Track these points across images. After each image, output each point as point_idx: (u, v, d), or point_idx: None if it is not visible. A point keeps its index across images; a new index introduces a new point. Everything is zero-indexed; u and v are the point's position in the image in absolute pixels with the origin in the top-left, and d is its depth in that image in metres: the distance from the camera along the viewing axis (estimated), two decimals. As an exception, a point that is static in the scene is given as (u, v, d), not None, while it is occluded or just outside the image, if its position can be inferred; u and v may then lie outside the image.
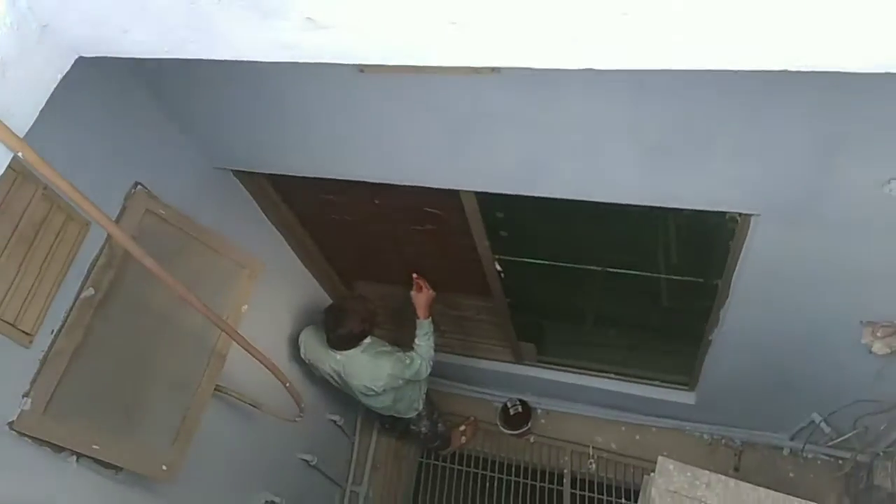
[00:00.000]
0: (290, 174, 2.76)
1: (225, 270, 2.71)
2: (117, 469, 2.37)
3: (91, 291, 2.20)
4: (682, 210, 2.39)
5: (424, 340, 3.43)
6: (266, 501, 3.41)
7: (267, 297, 3.11)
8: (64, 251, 2.07)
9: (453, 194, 2.66)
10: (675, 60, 1.00)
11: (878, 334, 2.63)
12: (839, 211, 2.18)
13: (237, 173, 2.89)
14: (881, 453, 3.46)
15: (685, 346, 3.60)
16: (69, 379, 2.14)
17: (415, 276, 3.35)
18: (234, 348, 2.58)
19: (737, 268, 2.67)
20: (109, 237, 2.16)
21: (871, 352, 2.71)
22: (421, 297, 3.36)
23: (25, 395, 2.04)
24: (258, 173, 2.89)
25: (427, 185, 2.55)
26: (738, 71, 1.02)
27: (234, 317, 2.68)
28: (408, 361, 3.39)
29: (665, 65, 1.01)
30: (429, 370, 3.49)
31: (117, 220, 2.26)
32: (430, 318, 3.42)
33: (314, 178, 2.73)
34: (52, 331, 2.11)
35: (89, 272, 2.19)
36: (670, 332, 3.68)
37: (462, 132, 2.22)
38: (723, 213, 2.39)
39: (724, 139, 2.00)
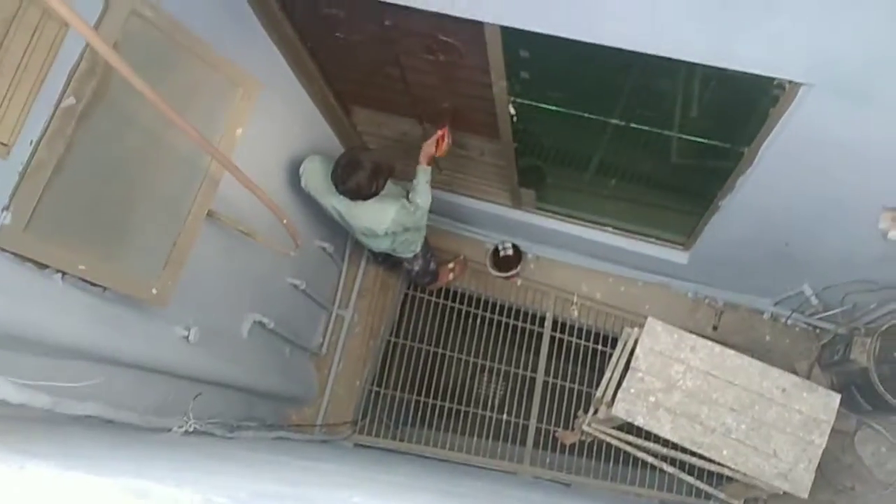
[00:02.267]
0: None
1: (219, 88, 2.47)
2: (104, 287, 2.30)
3: (72, 100, 1.98)
4: (726, 70, 2.17)
5: (424, 189, 3.33)
6: (255, 322, 3.43)
7: (263, 120, 2.89)
8: (41, 53, 1.83)
9: (476, 26, 2.38)
10: None
11: (899, 221, 2.54)
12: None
13: (234, -25, 2.55)
14: (862, 329, 3.53)
15: (690, 206, 3.52)
16: (52, 194, 1.99)
17: (444, 128, 3.21)
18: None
19: (769, 137, 2.52)
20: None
21: (884, 237, 2.65)
22: (431, 147, 3.22)
23: (5, 208, 1.89)
24: (258, -23, 2.55)
25: (450, 13, 2.27)
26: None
27: (229, 140, 2.48)
28: (412, 209, 3.29)
29: None
30: (426, 219, 3.43)
31: (98, 21, 1.98)
32: (431, 167, 3.32)
33: (321, -10, 2.43)
34: (31, 141, 1.92)
35: (69, 79, 1.96)
36: (678, 192, 3.58)
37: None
38: (770, 79, 2.19)
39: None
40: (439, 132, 3.24)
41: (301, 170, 3.33)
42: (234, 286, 3.25)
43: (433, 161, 3.32)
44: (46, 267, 2.07)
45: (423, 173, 3.31)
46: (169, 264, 2.42)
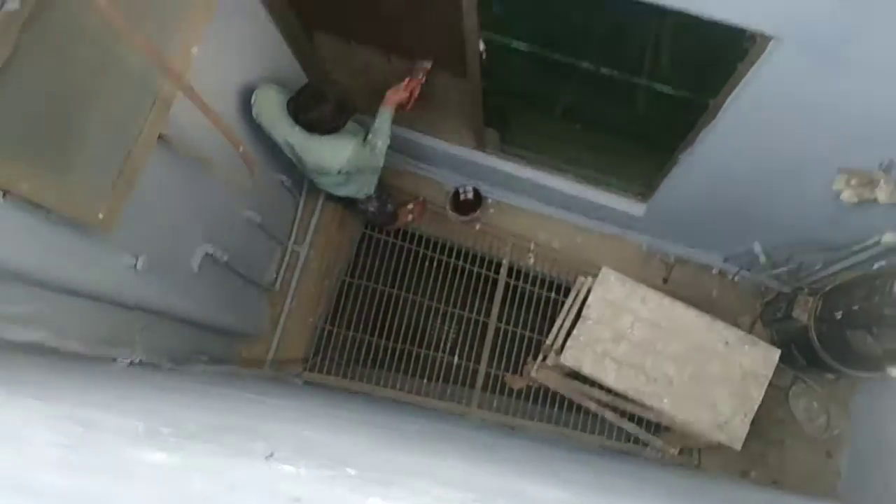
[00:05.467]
0: None
1: (175, 3, 2.34)
2: (48, 210, 2.19)
3: (16, 5, 1.84)
4: (697, 17, 2.15)
5: (386, 131, 3.24)
6: (206, 254, 3.34)
7: (220, 40, 2.75)
8: (-22, -51, 1.69)
9: (450, -46, 2.29)
10: None
11: (852, 183, 2.60)
12: (865, 54, 2.02)
13: None
14: (805, 288, 3.64)
15: (651, 158, 3.53)
16: (-8, 106, 1.87)
17: (425, 67, 3.16)
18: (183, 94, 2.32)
19: (735, 90, 2.52)
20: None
21: (838, 198, 2.71)
22: (400, 95, 3.17)
23: (-61, 118, 1.77)
24: None
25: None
26: None
27: (184, 60, 2.36)
28: (368, 149, 3.20)
29: None
30: (382, 160, 3.34)
31: (44, -81, 1.84)
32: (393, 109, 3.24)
33: None
34: (-32, 45, 1.79)
35: (11, -20, 1.82)
36: (641, 142, 3.57)
37: None
38: (741, 31, 2.17)
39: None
40: (412, 80, 3.14)
41: (253, 98, 3.15)
42: (186, 216, 3.14)
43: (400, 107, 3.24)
44: (-15, 184, 1.96)
45: (387, 115, 3.21)
46: (116, 188, 2.32)
